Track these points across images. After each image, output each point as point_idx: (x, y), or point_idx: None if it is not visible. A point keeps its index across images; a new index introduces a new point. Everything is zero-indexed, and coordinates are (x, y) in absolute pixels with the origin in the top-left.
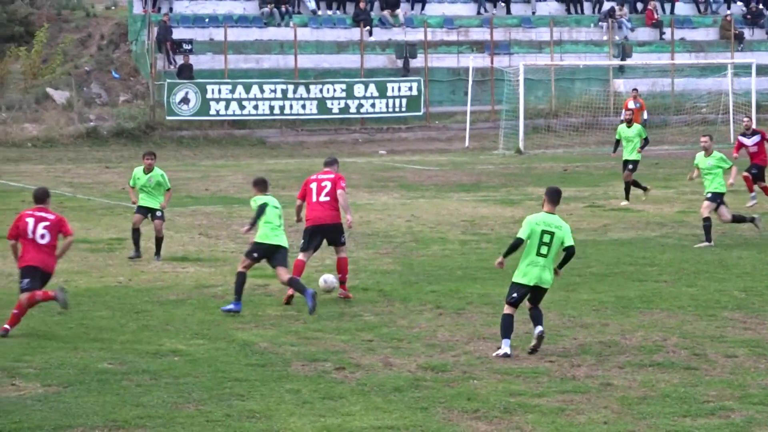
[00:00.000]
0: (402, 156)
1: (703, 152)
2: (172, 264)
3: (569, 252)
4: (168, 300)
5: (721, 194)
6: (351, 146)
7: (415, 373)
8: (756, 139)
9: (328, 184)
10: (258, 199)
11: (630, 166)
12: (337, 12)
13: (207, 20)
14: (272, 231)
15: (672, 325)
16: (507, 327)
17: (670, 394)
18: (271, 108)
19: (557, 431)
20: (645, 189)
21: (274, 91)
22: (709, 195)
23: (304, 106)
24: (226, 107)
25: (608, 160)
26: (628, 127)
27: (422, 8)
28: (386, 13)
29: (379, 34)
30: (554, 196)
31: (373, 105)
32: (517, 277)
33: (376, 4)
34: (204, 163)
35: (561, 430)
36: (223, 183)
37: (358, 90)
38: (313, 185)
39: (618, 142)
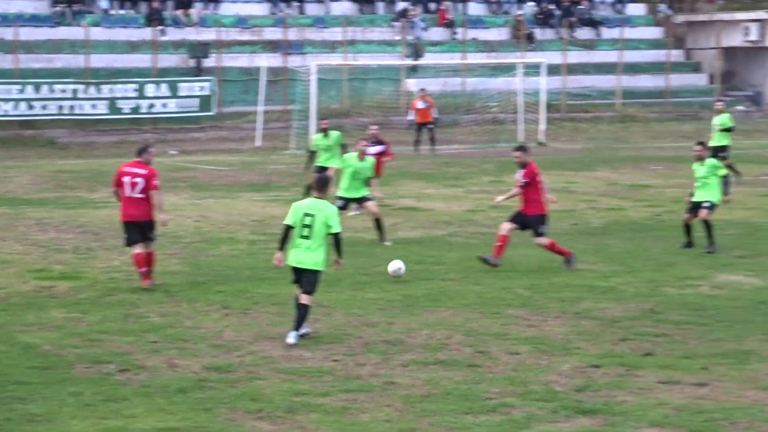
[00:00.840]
0: (193, 156)
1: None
2: None
3: (336, 238)
4: None
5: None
6: None
7: (199, 374)
8: (380, 148)
9: (141, 182)
10: None
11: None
12: (130, 11)
13: None
14: None
15: (457, 323)
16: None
17: (452, 391)
18: (60, 108)
19: (340, 430)
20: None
21: (65, 90)
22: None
23: (94, 106)
24: (15, 107)
25: (399, 159)
26: (326, 136)
27: (216, 8)
28: (179, 12)
29: (173, 34)
30: (319, 183)
31: (165, 105)
32: (287, 260)
33: (170, 4)
34: None
35: (344, 429)
36: (10, 184)
37: (150, 90)
38: (127, 179)
39: (313, 154)
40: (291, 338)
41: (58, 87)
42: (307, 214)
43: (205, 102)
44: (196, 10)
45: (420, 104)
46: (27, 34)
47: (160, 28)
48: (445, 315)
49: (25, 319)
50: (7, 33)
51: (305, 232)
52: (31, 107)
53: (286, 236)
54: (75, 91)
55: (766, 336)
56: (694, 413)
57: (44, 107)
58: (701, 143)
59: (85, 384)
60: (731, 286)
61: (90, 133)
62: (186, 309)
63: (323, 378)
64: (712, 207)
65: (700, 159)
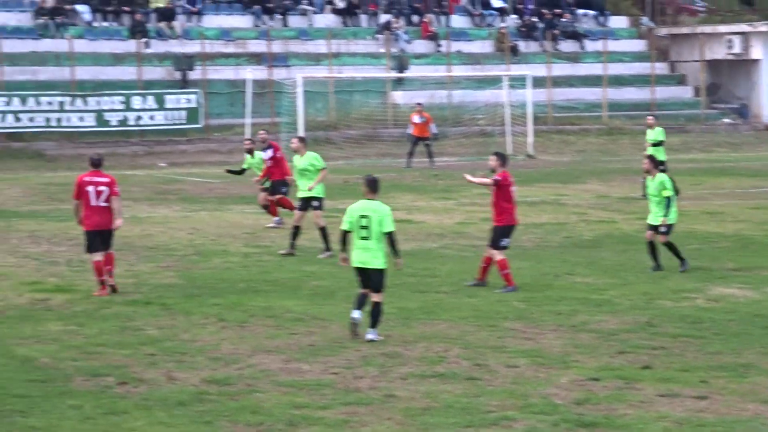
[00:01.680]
0: (182, 168)
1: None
2: None
3: (390, 237)
4: None
5: (313, 198)
6: (131, 158)
7: (198, 387)
8: (270, 152)
9: (105, 189)
10: None
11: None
12: (113, 24)
13: None
14: None
15: (454, 335)
16: (357, 300)
17: (452, 404)
18: (48, 120)
19: None
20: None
21: (51, 102)
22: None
23: (82, 118)
24: (2, 119)
25: (389, 171)
26: (252, 156)
27: (199, 20)
28: (163, 25)
29: (157, 46)
30: (370, 184)
31: (152, 117)
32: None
33: (153, 16)
34: None
35: None
36: (0, 196)
37: (137, 102)
38: (90, 189)
39: (243, 171)
40: (370, 335)
41: (44, 99)
42: (362, 216)
43: (192, 114)
44: (179, 23)
45: (416, 119)
46: (10, 46)
47: (144, 40)
48: (441, 328)
49: (22, 332)
50: None
51: (363, 233)
52: (18, 119)
53: (344, 240)
54: (62, 103)
55: (764, 349)
56: (696, 426)
57: (31, 119)
58: (649, 156)
59: (85, 397)
60: (726, 299)
61: (79, 145)
62: (182, 322)
63: (322, 391)
64: (668, 229)
65: (648, 173)
